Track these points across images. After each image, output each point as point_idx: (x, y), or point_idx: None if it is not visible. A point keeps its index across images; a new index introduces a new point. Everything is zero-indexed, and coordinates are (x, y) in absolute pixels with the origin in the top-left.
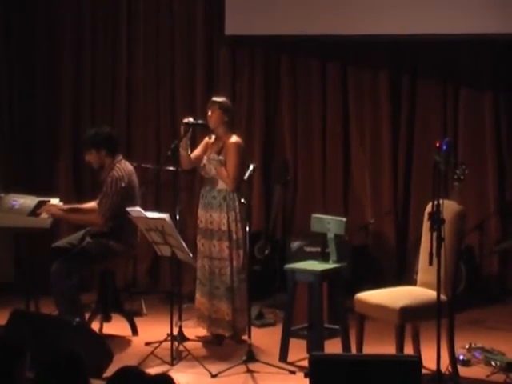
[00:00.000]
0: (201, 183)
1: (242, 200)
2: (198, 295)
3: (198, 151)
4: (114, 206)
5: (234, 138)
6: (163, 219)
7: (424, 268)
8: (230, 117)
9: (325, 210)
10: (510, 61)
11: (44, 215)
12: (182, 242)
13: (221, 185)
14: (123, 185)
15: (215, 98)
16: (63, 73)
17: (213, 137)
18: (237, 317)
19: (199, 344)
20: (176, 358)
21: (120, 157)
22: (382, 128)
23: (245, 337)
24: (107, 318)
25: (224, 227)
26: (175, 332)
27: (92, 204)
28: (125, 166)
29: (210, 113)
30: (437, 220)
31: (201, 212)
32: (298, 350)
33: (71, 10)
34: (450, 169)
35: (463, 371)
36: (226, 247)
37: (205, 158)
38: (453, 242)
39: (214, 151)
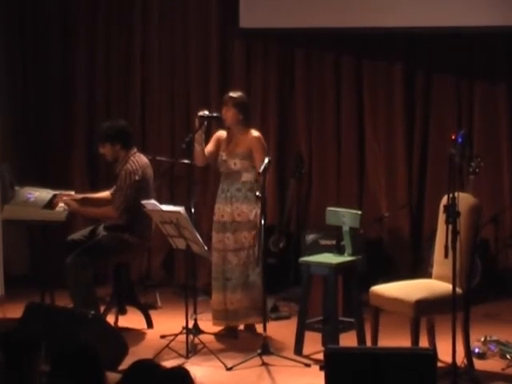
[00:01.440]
0: (215, 176)
1: (257, 193)
2: (214, 293)
3: (210, 147)
4: (128, 199)
5: (256, 133)
6: (178, 212)
7: (439, 261)
8: (246, 113)
9: (339, 203)
10: None
11: (59, 207)
12: (197, 234)
13: (245, 177)
14: (137, 178)
15: (231, 94)
16: (77, 66)
17: (224, 133)
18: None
19: (214, 337)
20: (191, 350)
21: (135, 150)
22: (397, 121)
23: (260, 330)
24: (122, 311)
25: (252, 217)
26: (190, 325)
27: (106, 193)
28: (139, 159)
29: (224, 110)
30: (452, 213)
31: (221, 206)
32: (313, 343)
33: (85, 3)
34: (465, 162)
35: (478, 364)
36: (256, 235)
37: (223, 153)
38: (468, 235)
39: (234, 150)
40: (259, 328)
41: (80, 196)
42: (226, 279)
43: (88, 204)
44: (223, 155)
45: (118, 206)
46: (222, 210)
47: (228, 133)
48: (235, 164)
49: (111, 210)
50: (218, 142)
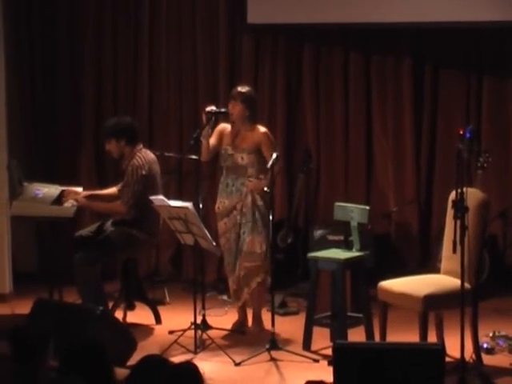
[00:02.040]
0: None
1: (266, 188)
2: (229, 277)
3: (213, 141)
4: (135, 195)
5: (263, 128)
6: (186, 208)
7: (448, 256)
8: (252, 110)
9: (347, 198)
10: None
11: (68, 203)
12: (205, 230)
13: (249, 172)
14: (144, 173)
15: (239, 89)
16: (85, 62)
17: (227, 127)
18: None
19: (223, 332)
20: (200, 346)
21: (140, 146)
22: (405, 116)
23: (268, 325)
24: (130, 307)
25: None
26: (199, 320)
27: (113, 190)
28: (145, 155)
29: (231, 105)
30: (460, 208)
31: (227, 201)
32: (322, 339)
33: (92, 1)
34: (474, 157)
35: (487, 359)
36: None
37: (228, 148)
38: (476, 230)
39: (241, 144)
40: (267, 323)
41: (87, 193)
42: (237, 253)
43: (96, 200)
44: (229, 149)
45: (126, 202)
46: (229, 203)
47: (232, 127)
48: (242, 158)
49: (120, 205)
50: (221, 135)
